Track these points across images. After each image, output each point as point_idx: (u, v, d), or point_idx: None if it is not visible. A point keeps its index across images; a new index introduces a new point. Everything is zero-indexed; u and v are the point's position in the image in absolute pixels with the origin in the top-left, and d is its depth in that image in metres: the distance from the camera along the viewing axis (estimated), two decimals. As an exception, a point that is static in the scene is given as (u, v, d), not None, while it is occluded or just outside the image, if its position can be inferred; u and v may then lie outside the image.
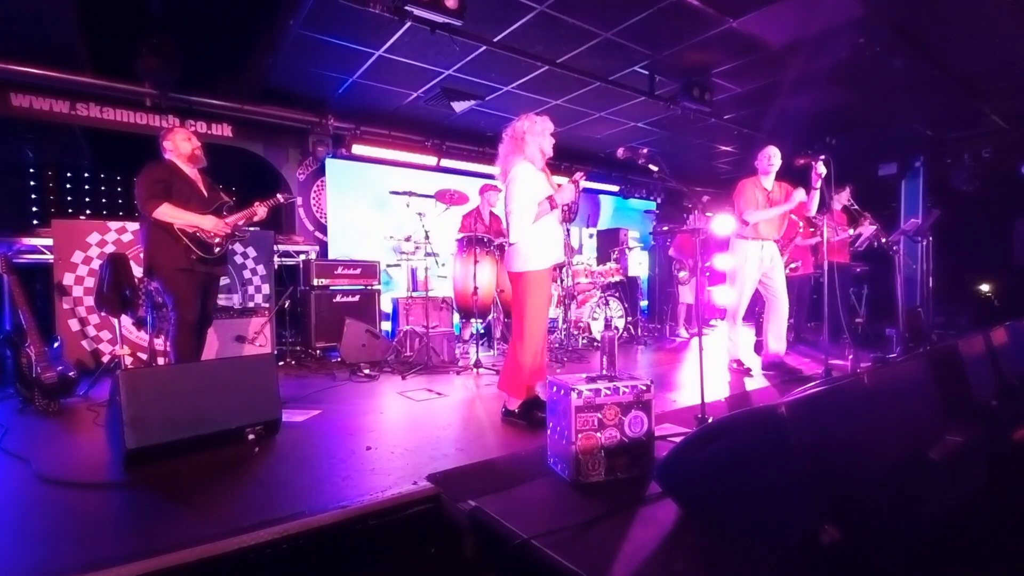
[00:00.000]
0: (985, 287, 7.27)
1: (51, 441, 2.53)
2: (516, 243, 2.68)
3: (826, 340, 3.61)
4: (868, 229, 5.33)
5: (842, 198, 5.07)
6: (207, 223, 2.96)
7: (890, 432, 1.74)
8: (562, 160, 7.36)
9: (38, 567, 1.41)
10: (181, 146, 3.03)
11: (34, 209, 4.75)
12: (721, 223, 4.22)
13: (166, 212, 2.86)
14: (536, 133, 2.74)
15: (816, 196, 3.84)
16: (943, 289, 6.02)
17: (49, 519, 1.69)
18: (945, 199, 6.73)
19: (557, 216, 2.83)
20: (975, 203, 6.86)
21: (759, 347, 4.66)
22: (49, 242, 4.00)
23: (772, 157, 3.91)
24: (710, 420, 2.34)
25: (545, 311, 2.77)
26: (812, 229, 4.58)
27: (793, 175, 3.95)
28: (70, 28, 3.89)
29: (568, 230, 3.03)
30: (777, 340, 3.97)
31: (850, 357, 4.02)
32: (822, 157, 3.60)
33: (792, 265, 4.94)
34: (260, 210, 3.14)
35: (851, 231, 5.12)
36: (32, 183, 4.78)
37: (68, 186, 4.95)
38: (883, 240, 4.79)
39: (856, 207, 5.03)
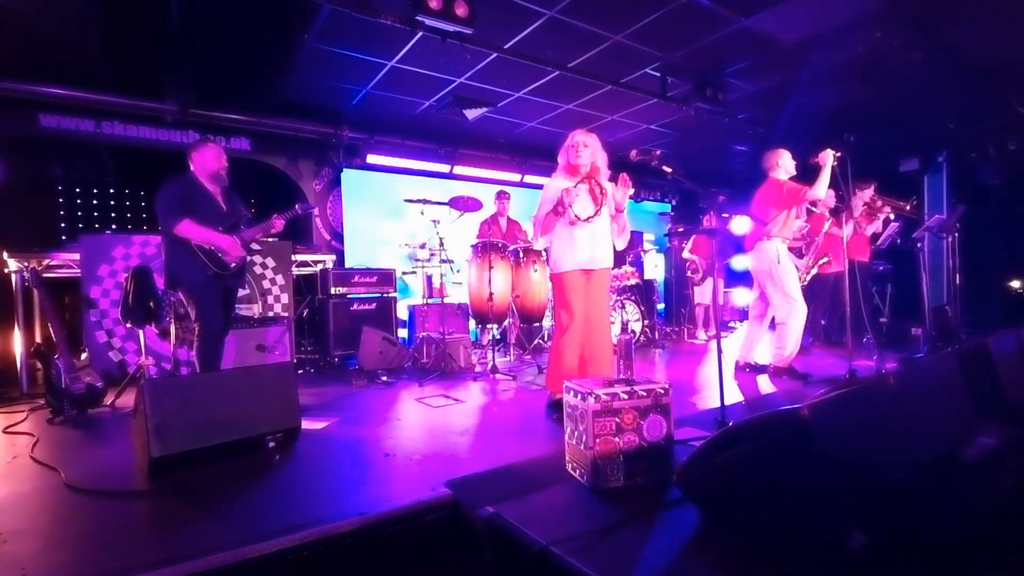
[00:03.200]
0: (1016, 283, 7.03)
1: (80, 451, 2.60)
2: (548, 248, 2.96)
3: (850, 341, 3.52)
4: (891, 226, 5.21)
5: (864, 196, 4.96)
6: (224, 243, 3.02)
7: (919, 434, 1.68)
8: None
9: (68, 574, 1.44)
10: (209, 164, 3.08)
11: (62, 225, 4.89)
12: (740, 224, 4.14)
13: (187, 229, 2.93)
14: (563, 149, 2.98)
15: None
16: (971, 286, 5.85)
17: (78, 527, 1.73)
18: (970, 194, 6.54)
19: (594, 220, 2.87)
20: (1002, 197, 6.66)
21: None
22: (77, 256, 4.11)
23: (792, 161, 3.81)
24: (730, 424, 2.30)
25: (572, 312, 2.87)
26: (834, 219, 4.49)
27: (808, 173, 3.87)
28: (94, 49, 4.03)
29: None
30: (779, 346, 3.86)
31: (875, 357, 3.91)
32: (837, 153, 3.53)
33: (822, 260, 4.84)
34: (277, 223, 3.20)
35: (891, 216, 5.02)
36: (60, 200, 4.93)
37: (94, 202, 5.09)
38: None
39: (881, 200, 4.91)
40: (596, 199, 2.86)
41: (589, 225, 2.85)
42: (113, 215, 5.17)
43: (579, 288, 2.86)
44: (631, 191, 2.84)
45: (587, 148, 2.89)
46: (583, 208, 2.83)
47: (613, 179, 2.92)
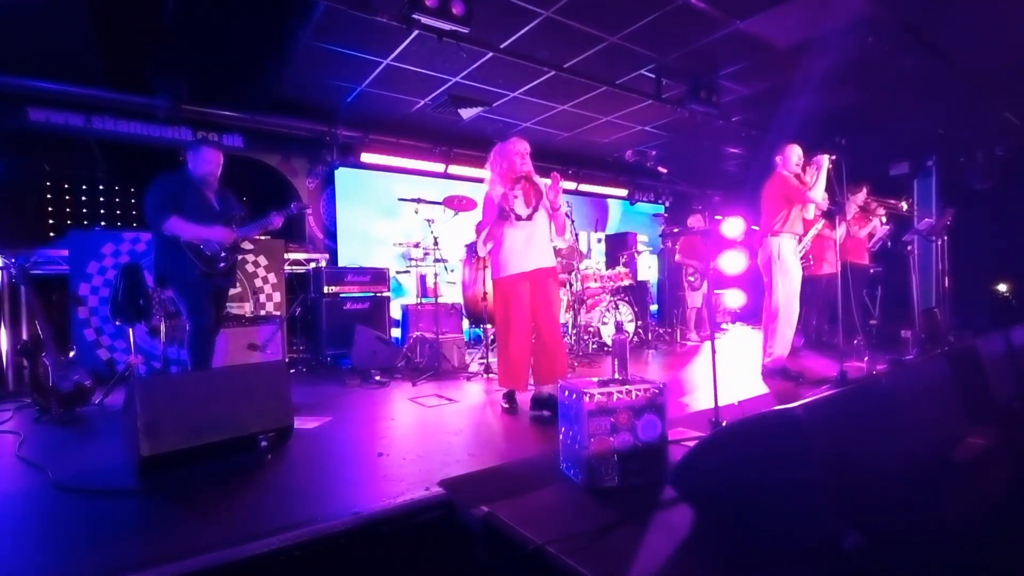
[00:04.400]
0: (1002, 287, 7.13)
1: (67, 449, 2.56)
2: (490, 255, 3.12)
3: (841, 342, 3.55)
4: (881, 229, 5.27)
5: (858, 199, 5.01)
6: (213, 234, 2.99)
7: (911, 434, 1.70)
8: (569, 165, 7.36)
9: (56, 574, 1.42)
10: (199, 167, 3.07)
11: (51, 221, 4.83)
12: (732, 226, 4.16)
13: (174, 225, 2.90)
14: (500, 156, 3.11)
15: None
16: (959, 289, 5.92)
17: (66, 527, 1.70)
18: (959, 198, 6.63)
19: (530, 226, 2.99)
20: (990, 201, 6.76)
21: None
22: (65, 253, 4.06)
23: (802, 157, 3.80)
24: (724, 424, 2.31)
25: (510, 318, 2.98)
26: (827, 221, 4.52)
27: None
28: (86, 43, 3.98)
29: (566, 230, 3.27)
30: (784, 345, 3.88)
31: (866, 359, 3.95)
32: (832, 157, 3.56)
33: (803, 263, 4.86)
34: (276, 220, 3.18)
35: (882, 220, 5.05)
36: (49, 196, 4.86)
37: (84, 198, 5.03)
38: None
39: (875, 202, 4.95)
40: (531, 200, 3.00)
41: (526, 229, 2.97)
42: (103, 212, 5.10)
43: (522, 292, 2.97)
44: (561, 192, 2.96)
45: (527, 156, 3.03)
46: (520, 209, 2.98)
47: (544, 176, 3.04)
